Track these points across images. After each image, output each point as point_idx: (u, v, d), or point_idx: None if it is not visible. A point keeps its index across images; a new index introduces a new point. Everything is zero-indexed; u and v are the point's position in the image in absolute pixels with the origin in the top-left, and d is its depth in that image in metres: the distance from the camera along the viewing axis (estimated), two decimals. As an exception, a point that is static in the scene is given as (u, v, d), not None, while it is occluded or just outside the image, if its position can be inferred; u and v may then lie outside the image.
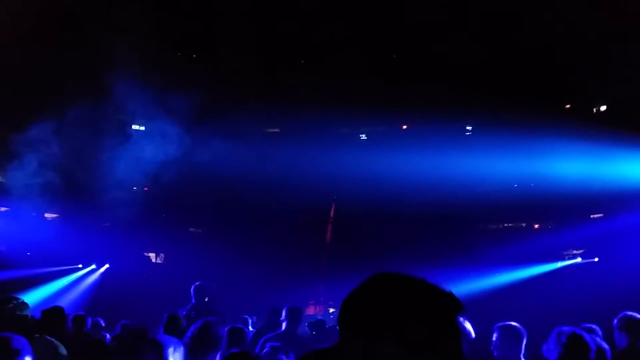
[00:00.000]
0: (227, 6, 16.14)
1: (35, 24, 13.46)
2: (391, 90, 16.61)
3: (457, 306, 1.32)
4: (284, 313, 6.28)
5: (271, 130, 19.17)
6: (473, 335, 4.19)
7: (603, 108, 17.46)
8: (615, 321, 4.99)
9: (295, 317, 6.26)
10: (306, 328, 10.02)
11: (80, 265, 15.39)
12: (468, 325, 4.33)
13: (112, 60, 14.04)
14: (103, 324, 8.01)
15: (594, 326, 5.20)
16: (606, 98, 17.29)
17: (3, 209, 17.43)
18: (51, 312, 5.48)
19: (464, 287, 13.96)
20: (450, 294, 1.34)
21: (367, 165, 17.12)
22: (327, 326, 8.17)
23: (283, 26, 16.95)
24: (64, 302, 12.64)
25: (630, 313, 4.96)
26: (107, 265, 16.23)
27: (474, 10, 15.60)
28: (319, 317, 9.74)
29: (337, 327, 1.38)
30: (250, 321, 8.86)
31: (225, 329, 4.75)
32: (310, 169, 17.22)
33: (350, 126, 19.53)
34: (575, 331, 3.94)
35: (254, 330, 7.97)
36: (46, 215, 18.42)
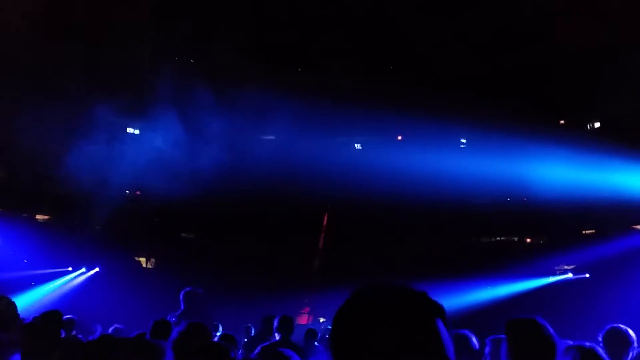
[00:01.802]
0: (228, 13, 16.18)
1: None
2: (388, 100, 16.66)
3: (431, 307, 1.28)
4: (276, 322, 6.27)
5: (266, 137, 19.16)
6: (477, 346, 4.20)
7: (597, 124, 17.59)
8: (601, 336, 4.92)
9: (287, 326, 6.26)
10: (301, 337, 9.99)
11: (70, 268, 15.27)
12: (473, 339, 4.34)
13: (116, 62, 14.04)
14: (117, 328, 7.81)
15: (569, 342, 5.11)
16: (600, 115, 17.43)
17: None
18: (48, 315, 5.48)
19: (456, 300, 13.95)
20: (423, 295, 1.30)
21: (362, 175, 17.14)
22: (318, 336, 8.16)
23: (282, 35, 17.00)
24: (53, 304, 12.55)
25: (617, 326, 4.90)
26: (97, 269, 16.11)
27: (472, 25, 15.71)
28: (310, 327, 9.72)
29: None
30: (253, 330, 8.80)
31: (217, 336, 4.72)
32: (304, 177, 17.21)
33: (345, 135, 19.55)
34: (589, 346, 3.94)
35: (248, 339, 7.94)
36: (37, 217, 18.31)
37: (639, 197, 14.32)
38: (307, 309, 18.22)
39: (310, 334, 8.08)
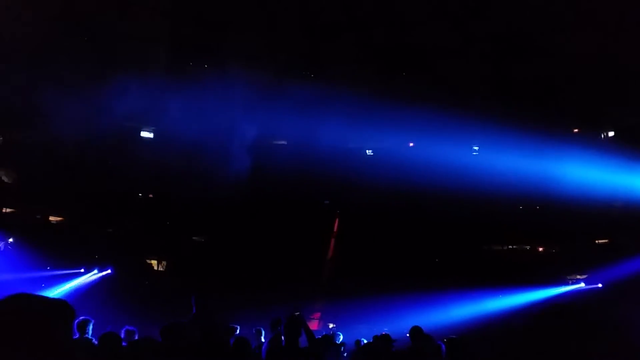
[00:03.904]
0: (239, 18, 16.27)
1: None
2: (399, 107, 16.65)
3: None
4: (282, 325, 6.10)
5: (278, 142, 19.20)
6: None
7: (611, 133, 17.46)
8: None
9: (294, 329, 6.04)
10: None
11: (82, 270, 15.37)
12: None
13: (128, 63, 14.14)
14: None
15: None
16: (614, 123, 17.30)
17: (8, 210, 17.50)
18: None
19: (467, 308, 13.88)
20: None
21: (373, 181, 17.12)
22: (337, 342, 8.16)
23: (294, 40, 17.05)
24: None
25: None
26: (108, 271, 16.19)
27: (486, 33, 15.69)
28: (324, 333, 9.72)
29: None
30: (264, 333, 8.79)
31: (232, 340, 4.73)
32: (315, 183, 17.23)
33: (357, 141, 19.53)
34: None
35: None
36: (51, 218, 18.46)
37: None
38: (317, 315, 18.20)
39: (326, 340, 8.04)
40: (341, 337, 10.53)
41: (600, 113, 16.66)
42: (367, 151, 19.88)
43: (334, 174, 16.87)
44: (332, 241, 20.12)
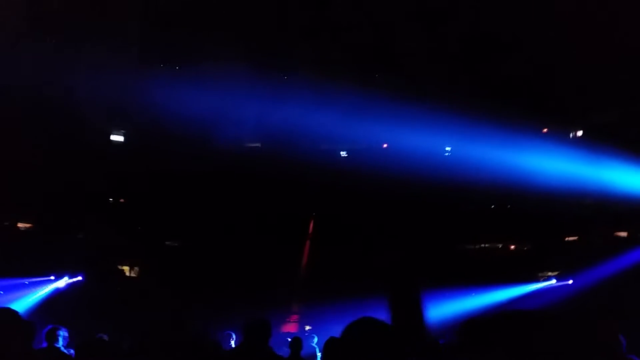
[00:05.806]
0: (213, 17, 16.15)
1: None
2: (373, 108, 16.71)
3: None
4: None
5: (252, 145, 19.12)
6: None
7: (580, 133, 17.80)
8: None
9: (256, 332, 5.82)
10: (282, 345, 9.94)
11: (52, 277, 15.07)
12: None
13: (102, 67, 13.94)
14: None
15: None
16: (583, 123, 17.63)
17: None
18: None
19: (441, 308, 13.98)
20: None
21: (347, 183, 17.16)
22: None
23: (267, 40, 17.00)
24: (35, 314, 12.39)
25: None
26: (79, 277, 15.90)
27: (456, 34, 15.86)
28: (296, 335, 9.68)
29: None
30: (234, 336, 8.73)
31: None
32: (289, 185, 17.19)
33: (330, 143, 19.56)
34: None
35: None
36: (19, 225, 18.07)
37: (622, 205, 14.52)
38: (294, 317, 18.15)
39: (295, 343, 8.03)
40: (316, 339, 10.52)
41: (568, 113, 16.96)
42: (342, 153, 19.91)
43: (308, 177, 16.86)
44: (307, 243, 20.09)
